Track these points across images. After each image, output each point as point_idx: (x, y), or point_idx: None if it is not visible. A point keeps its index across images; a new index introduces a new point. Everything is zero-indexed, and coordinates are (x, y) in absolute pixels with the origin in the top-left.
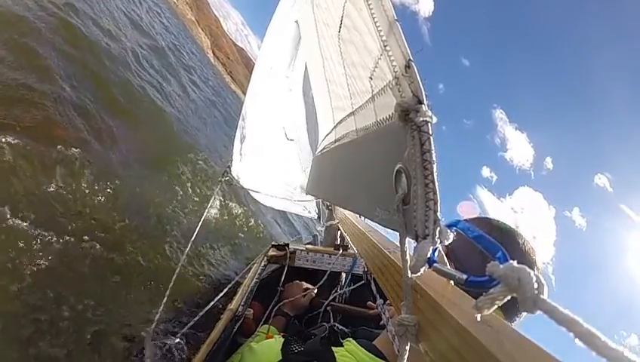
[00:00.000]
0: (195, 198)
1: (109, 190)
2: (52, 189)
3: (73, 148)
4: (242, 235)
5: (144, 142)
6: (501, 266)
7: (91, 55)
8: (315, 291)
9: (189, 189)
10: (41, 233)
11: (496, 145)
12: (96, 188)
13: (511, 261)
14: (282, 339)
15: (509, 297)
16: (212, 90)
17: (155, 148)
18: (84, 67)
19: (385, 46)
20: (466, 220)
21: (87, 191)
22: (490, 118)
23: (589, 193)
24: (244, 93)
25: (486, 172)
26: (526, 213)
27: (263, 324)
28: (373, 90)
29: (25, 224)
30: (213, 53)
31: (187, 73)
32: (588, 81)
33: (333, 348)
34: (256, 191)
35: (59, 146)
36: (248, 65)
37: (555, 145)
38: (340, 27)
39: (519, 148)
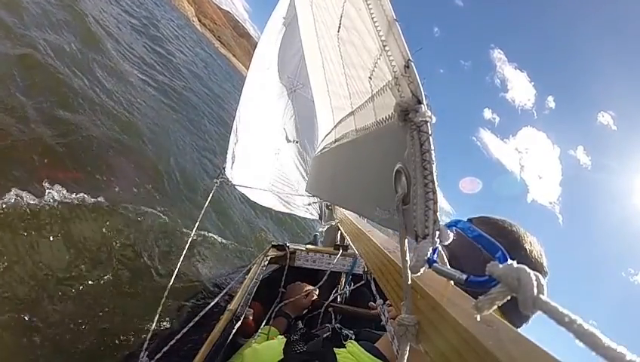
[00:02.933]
0: (191, 201)
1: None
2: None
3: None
4: (241, 236)
5: (132, 150)
6: (500, 266)
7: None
8: (317, 292)
9: (185, 190)
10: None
11: (497, 86)
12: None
13: (511, 261)
14: (284, 340)
15: (508, 297)
16: (204, 63)
17: (145, 151)
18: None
19: (384, 46)
20: (470, 220)
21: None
22: (489, 58)
23: (593, 131)
24: (235, 56)
25: (488, 114)
26: (530, 154)
27: (264, 325)
28: (372, 90)
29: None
30: (199, 21)
31: (174, 47)
32: (588, 15)
33: (335, 350)
34: (253, 191)
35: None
36: (236, 28)
37: (556, 83)
38: (339, 27)
39: (520, 88)
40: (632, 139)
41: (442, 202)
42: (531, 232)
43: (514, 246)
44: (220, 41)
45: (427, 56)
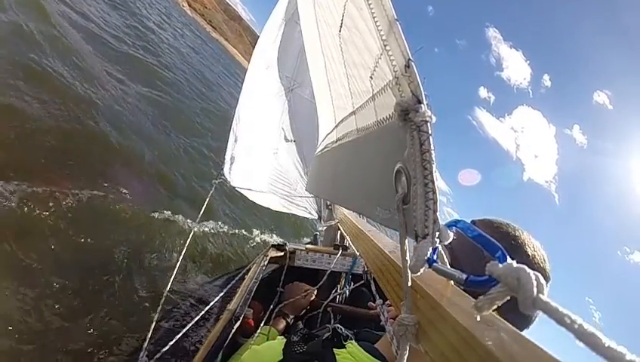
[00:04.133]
0: (192, 200)
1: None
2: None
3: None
4: (241, 235)
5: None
6: (500, 266)
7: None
8: (315, 292)
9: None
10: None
11: (492, 65)
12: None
13: (510, 261)
14: (284, 340)
15: (508, 297)
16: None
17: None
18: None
19: (385, 45)
20: (473, 222)
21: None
22: (484, 37)
23: (589, 111)
24: (227, 40)
25: (483, 93)
26: (526, 132)
27: (263, 324)
28: (373, 90)
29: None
30: (189, 5)
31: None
32: None
33: (335, 350)
34: (252, 192)
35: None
36: (227, 11)
37: (552, 62)
38: (341, 26)
39: (516, 67)
40: (627, 119)
41: (439, 182)
42: (529, 214)
43: (515, 249)
44: (211, 25)
45: (421, 35)
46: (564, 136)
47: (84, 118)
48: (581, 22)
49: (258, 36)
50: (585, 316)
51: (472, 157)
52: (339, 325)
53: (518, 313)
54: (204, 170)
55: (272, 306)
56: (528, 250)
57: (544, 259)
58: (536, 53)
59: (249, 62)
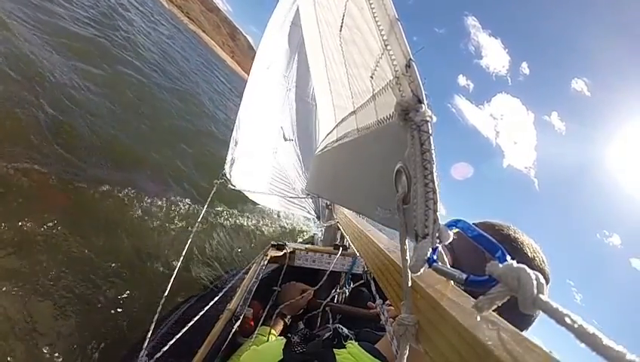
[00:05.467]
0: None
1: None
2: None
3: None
4: (240, 236)
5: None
6: (500, 266)
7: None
8: (312, 292)
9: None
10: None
11: (471, 53)
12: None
13: (511, 260)
14: (284, 340)
15: (508, 297)
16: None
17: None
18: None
19: (386, 45)
20: (476, 224)
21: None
22: (463, 25)
23: (567, 97)
24: (204, 32)
25: (462, 80)
26: (505, 120)
27: (261, 324)
28: (374, 90)
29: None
30: None
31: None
32: None
33: (335, 350)
34: (253, 192)
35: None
36: (204, 2)
37: (530, 49)
38: (342, 26)
39: (494, 55)
40: (605, 105)
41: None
42: (509, 200)
43: (516, 250)
44: (188, 17)
45: (400, 23)
46: (542, 122)
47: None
48: (559, 10)
49: (235, 27)
50: (567, 298)
51: (452, 144)
52: (340, 325)
53: (518, 313)
54: (208, 164)
55: (268, 306)
56: (528, 251)
57: (544, 261)
58: (514, 41)
59: (227, 54)
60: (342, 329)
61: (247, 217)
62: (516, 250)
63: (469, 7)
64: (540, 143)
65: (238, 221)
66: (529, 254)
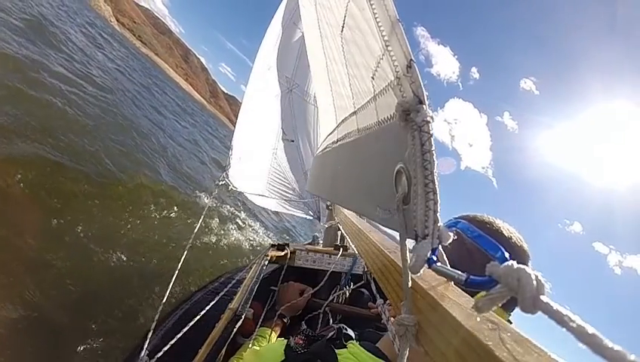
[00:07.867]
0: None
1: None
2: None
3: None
4: (240, 237)
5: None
6: (501, 266)
7: None
8: (311, 292)
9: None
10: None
11: (422, 62)
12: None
13: (511, 261)
14: (285, 341)
15: (508, 297)
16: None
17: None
18: None
19: (387, 46)
20: (467, 220)
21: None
22: (412, 35)
23: (517, 97)
24: (157, 55)
25: None
26: (459, 123)
27: (261, 325)
28: (374, 90)
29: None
30: (117, 20)
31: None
32: None
33: (337, 350)
34: (253, 194)
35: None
36: (156, 25)
37: (478, 54)
38: (343, 27)
39: (444, 62)
40: (553, 101)
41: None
42: (469, 201)
43: (492, 232)
44: (140, 40)
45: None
46: (495, 123)
47: None
48: (503, 13)
49: (188, 49)
50: None
51: None
52: (343, 325)
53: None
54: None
55: (267, 305)
56: (504, 231)
57: (520, 239)
58: (463, 47)
59: (180, 76)
60: (346, 329)
61: (249, 217)
62: (493, 232)
63: (418, 17)
64: (494, 143)
65: (239, 221)
66: (505, 234)
